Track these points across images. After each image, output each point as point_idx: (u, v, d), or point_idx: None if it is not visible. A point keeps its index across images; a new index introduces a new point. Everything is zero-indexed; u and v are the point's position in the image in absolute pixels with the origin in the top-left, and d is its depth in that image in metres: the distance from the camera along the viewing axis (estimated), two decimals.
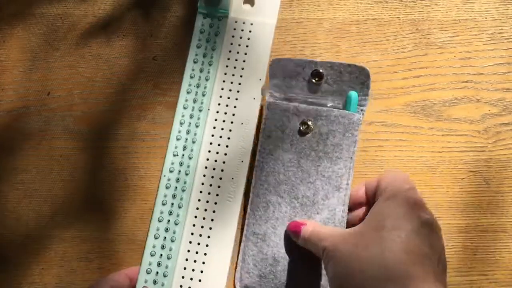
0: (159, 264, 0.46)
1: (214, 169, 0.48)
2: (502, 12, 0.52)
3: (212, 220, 0.47)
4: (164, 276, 0.46)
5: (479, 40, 0.51)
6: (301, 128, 0.47)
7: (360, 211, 0.47)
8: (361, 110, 0.48)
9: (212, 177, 0.48)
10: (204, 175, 0.48)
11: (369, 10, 0.52)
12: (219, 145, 0.49)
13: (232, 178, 0.48)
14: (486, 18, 0.52)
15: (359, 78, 0.48)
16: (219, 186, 0.48)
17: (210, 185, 0.48)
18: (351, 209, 0.47)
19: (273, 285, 0.46)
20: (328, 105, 0.48)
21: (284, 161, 0.47)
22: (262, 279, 0.46)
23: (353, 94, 0.47)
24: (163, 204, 0.48)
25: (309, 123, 0.47)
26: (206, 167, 0.48)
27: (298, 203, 0.47)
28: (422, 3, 0.52)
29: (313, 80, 0.48)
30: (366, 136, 0.50)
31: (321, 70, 0.48)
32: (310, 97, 0.48)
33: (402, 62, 0.51)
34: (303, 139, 0.47)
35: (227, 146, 0.49)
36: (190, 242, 0.47)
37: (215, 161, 0.48)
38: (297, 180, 0.47)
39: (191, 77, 0.50)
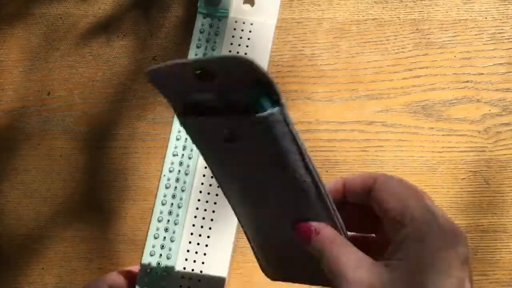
0: (158, 264, 0.46)
1: None
2: (502, 12, 0.52)
3: (211, 220, 0.47)
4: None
5: (479, 40, 0.51)
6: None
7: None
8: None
9: (212, 177, 0.48)
10: (204, 175, 0.48)
11: (369, 10, 0.52)
12: None
13: None
14: (486, 18, 0.52)
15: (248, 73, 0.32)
16: (218, 186, 0.48)
17: (210, 185, 0.48)
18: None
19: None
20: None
21: None
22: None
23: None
24: (163, 204, 0.47)
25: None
26: (205, 167, 0.48)
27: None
28: (422, 3, 0.52)
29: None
30: (366, 136, 0.50)
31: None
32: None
33: (402, 62, 0.51)
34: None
35: None
36: (190, 242, 0.47)
37: None
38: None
39: None
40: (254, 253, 0.39)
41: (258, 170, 0.35)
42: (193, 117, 0.34)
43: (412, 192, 0.33)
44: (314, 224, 0.34)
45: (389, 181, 0.34)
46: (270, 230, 0.37)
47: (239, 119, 0.32)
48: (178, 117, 0.34)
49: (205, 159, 0.36)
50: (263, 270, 0.39)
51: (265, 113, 0.31)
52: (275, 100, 0.32)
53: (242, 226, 0.38)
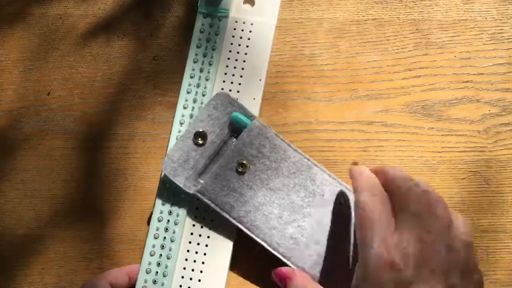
0: (158, 264, 0.46)
1: None
2: (502, 12, 0.52)
3: (211, 220, 0.47)
4: (164, 276, 0.46)
5: (479, 40, 0.51)
6: (239, 169, 0.47)
7: None
8: (251, 116, 0.48)
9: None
10: None
11: (369, 10, 0.52)
12: None
13: None
14: (486, 18, 0.52)
15: (224, 105, 0.48)
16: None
17: None
18: None
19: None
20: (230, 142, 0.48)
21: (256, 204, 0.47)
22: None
23: (233, 114, 0.48)
24: (163, 204, 0.47)
25: (244, 162, 0.47)
26: None
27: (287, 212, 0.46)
28: (422, 3, 0.52)
29: (200, 142, 0.48)
30: (366, 136, 0.50)
31: (202, 130, 0.48)
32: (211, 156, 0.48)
33: (402, 62, 0.51)
34: (250, 175, 0.47)
35: None
36: (190, 242, 0.47)
37: None
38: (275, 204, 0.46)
39: (191, 77, 0.50)
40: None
41: (272, 177, 0.47)
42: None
43: None
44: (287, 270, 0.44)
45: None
46: None
47: (241, 138, 0.47)
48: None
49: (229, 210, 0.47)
50: None
51: (250, 123, 0.47)
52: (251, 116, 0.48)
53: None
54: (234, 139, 0.48)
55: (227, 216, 0.46)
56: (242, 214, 0.46)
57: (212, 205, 0.46)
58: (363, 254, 0.39)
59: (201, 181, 0.47)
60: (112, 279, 0.45)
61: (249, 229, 0.46)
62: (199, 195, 0.46)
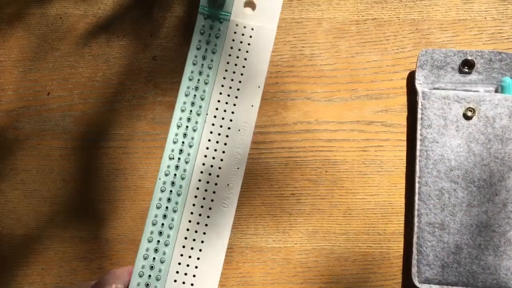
0: (152, 268, 0.46)
1: (209, 174, 0.48)
2: (502, 12, 0.51)
3: (206, 225, 0.47)
4: (157, 279, 0.46)
5: (479, 40, 0.51)
6: (467, 113, 0.48)
7: None
8: None
9: (208, 182, 0.48)
10: (200, 180, 0.48)
11: (369, 10, 0.52)
12: (215, 150, 0.48)
13: (228, 185, 0.48)
14: (486, 18, 0.51)
15: (509, 64, 0.50)
16: (214, 192, 0.48)
17: (205, 190, 0.48)
18: None
19: (457, 274, 0.47)
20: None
21: (453, 146, 0.48)
22: (445, 269, 0.47)
23: (508, 79, 0.49)
24: (158, 208, 0.47)
25: (474, 108, 0.48)
26: (201, 172, 0.48)
27: (475, 187, 0.47)
28: (422, 3, 0.52)
29: (464, 69, 0.50)
30: (366, 136, 0.50)
31: (470, 59, 0.49)
32: (459, 86, 0.50)
33: (402, 62, 0.51)
34: (469, 123, 0.48)
35: (223, 152, 0.48)
36: (184, 247, 0.47)
37: (211, 166, 0.48)
38: (470, 164, 0.48)
39: (190, 80, 0.50)
40: (414, 258, 0.48)
41: (477, 146, 0.48)
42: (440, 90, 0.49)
43: None
44: None
45: None
46: (468, 226, 0.47)
47: (492, 95, 0.48)
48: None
49: (423, 135, 0.48)
50: (415, 275, 0.48)
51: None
52: None
53: (419, 220, 0.48)
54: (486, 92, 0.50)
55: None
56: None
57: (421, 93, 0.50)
58: None
59: (429, 90, 0.50)
60: (114, 279, 0.45)
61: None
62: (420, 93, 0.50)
